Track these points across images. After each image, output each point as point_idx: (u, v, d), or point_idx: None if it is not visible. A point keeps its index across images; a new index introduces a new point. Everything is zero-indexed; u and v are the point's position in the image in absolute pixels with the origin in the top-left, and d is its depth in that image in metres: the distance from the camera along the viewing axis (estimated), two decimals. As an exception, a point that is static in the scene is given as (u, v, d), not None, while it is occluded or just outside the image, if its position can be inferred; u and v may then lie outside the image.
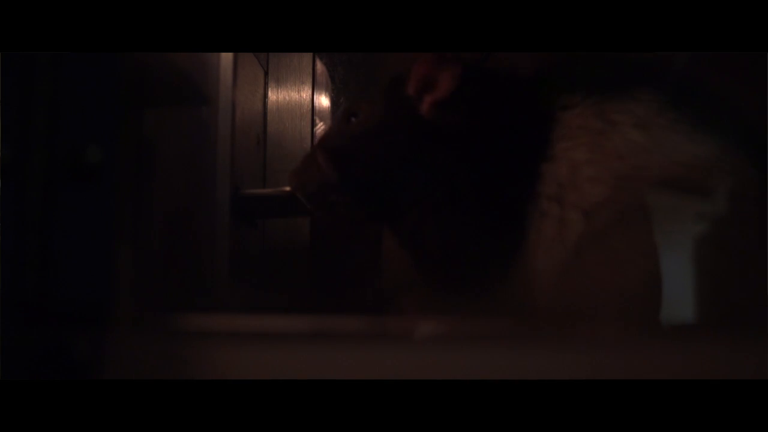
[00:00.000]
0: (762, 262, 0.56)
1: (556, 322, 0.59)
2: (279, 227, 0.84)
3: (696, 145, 0.59)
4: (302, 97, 0.87)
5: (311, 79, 0.87)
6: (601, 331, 0.55)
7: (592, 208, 0.60)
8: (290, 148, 0.85)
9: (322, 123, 0.87)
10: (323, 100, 0.88)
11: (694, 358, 0.44)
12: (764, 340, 0.44)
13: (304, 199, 0.68)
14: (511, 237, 0.62)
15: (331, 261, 0.83)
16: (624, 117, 0.61)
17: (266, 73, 0.85)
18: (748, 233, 0.58)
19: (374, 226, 0.75)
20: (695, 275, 0.58)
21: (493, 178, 0.63)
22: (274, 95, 0.86)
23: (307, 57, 0.87)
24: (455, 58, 0.65)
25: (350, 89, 0.87)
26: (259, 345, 0.45)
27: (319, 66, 0.89)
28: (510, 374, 0.43)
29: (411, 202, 0.65)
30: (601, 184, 0.60)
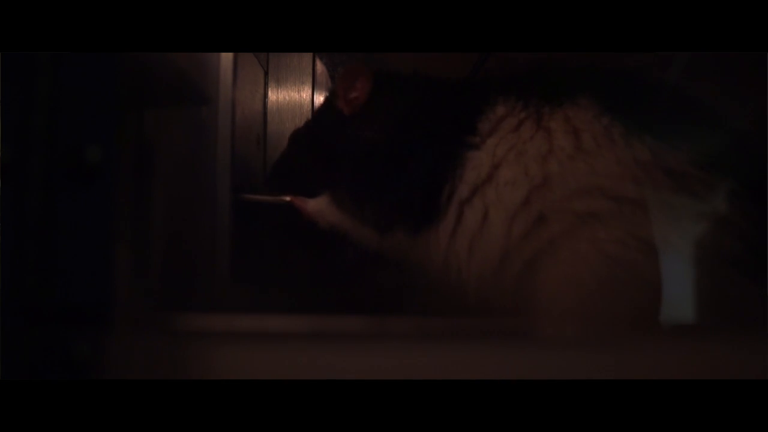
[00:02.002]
0: (762, 262, 0.56)
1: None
2: (279, 227, 0.84)
3: (633, 151, 0.59)
4: (302, 97, 0.87)
5: (311, 79, 0.87)
6: (601, 331, 0.55)
7: (514, 212, 0.62)
8: (290, 148, 0.84)
9: (322, 123, 0.87)
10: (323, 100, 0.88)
11: (694, 358, 0.44)
12: (764, 340, 0.44)
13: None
14: (429, 215, 0.66)
15: (331, 261, 0.83)
16: (558, 124, 0.63)
17: (266, 73, 0.85)
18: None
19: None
20: (695, 275, 0.58)
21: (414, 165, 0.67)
22: (274, 95, 0.85)
23: (307, 57, 0.87)
24: (364, 68, 0.73)
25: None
26: (259, 345, 0.45)
27: (319, 66, 0.89)
28: (510, 374, 0.43)
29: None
30: (517, 188, 0.62)
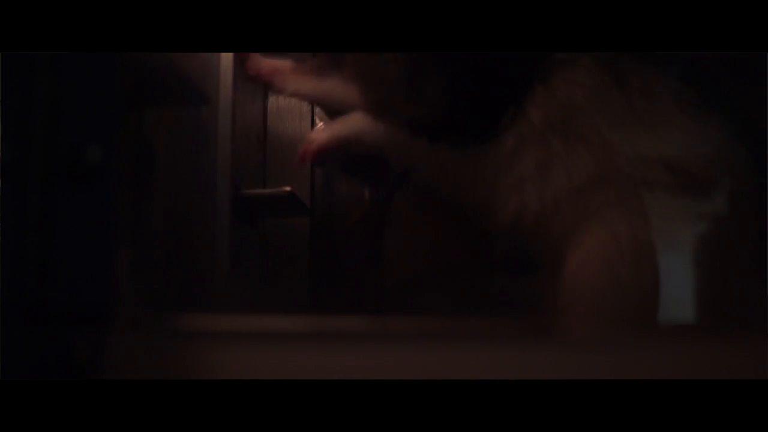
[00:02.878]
0: (762, 262, 0.56)
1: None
2: (279, 227, 0.84)
3: (700, 122, 0.58)
4: (302, 97, 0.87)
5: (311, 79, 0.87)
6: (602, 332, 0.55)
7: (575, 166, 0.59)
8: (290, 148, 0.85)
9: (322, 123, 0.87)
10: (323, 100, 0.88)
11: (694, 358, 0.44)
12: (764, 340, 0.44)
13: None
14: (483, 136, 0.61)
15: (331, 261, 0.83)
16: (635, 79, 0.59)
17: (266, 73, 0.85)
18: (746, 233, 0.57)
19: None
20: (695, 275, 0.58)
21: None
22: (274, 95, 0.86)
23: (307, 57, 0.87)
24: None
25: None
26: (259, 345, 0.45)
27: (319, 66, 0.88)
28: (510, 374, 0.43)
29: None
30: (584, 144, 0.59)
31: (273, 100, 0.84)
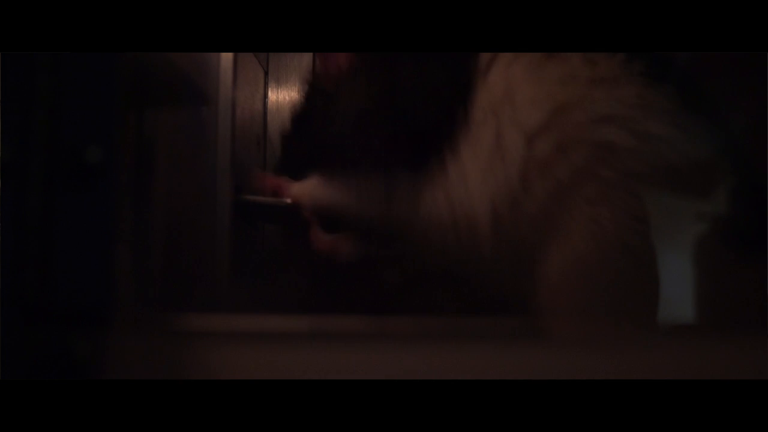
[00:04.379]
0: (762, 262, 0.56)
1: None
2: (279, 227, 0.84)
3: (654, 91, 0.58)
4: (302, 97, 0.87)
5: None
6: (601, 331, 0.55)
7: (532, 132, 0.58)
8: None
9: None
10: (323, 100, 0.88)
11: (694, 358, 0.44)
12: (764, 340, 0.44)
13: None
14: (441, 141, 0.62)
15: (330, 261, 0.83)
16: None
17: (266, 73, 0.85)
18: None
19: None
20: (695, 275, 0.58)
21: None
22: (274, 95, 0.86)
23: (307, 57, 0.87)
24: None
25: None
26: (259, 345, 0.45)
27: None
28: (510, 374, 0.43)
29: None
30: (539, 108, 0.59)
31: (273, 100, 0.84)
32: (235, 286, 0.69)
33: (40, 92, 0.42)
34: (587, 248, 0.57)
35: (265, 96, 0.84)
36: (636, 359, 0.44)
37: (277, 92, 0.86)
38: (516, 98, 0.60)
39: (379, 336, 0.48)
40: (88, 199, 0.41)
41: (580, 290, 0.58)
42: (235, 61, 0.70)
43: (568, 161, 0.58)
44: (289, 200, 0.73)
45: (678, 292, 0.57)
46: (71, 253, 0.41)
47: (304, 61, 0.87)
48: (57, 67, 0.42)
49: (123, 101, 0.43)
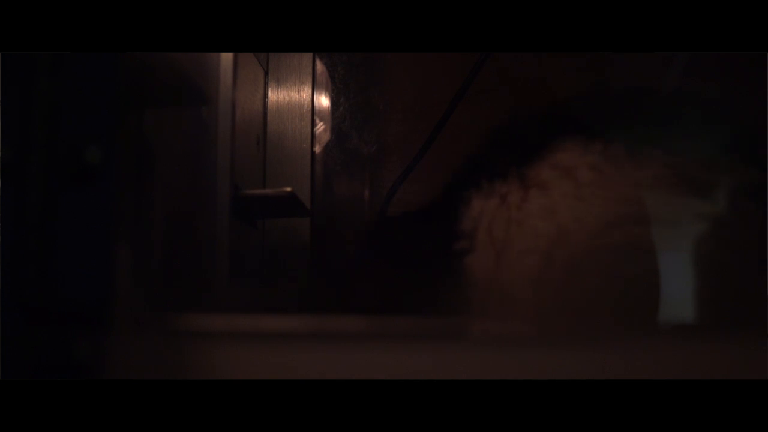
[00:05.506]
0: (762, 262, 0.56)
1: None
2: (279, 227, 0.84)
3: (647, 168, 0.58)
4: (302, 97, 0.87)
5: (311, 79, 0.87)
6: (601, 331, 0.55)
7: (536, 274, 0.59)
8: (290, 148, 0.85)
9: (322, 123, 0.87)
10: (323, 100, 0.88)
11: (694, 358, 0.44)
12: (764, 340, 0.44)
13: None
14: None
15: (331, 261, 0.83)
16: (548, 174, 0.60)
17: (266, 73, 0.85)
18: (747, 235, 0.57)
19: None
20: (695, 275, 0.58)
21: None
22: (274, 95, 0.86)
23: (307, 57, 0.87)
24: None
25: (350, 89, 0.87)
26: (259, 345, 0.45)
27: (319, 66, 0.89)
28: (510, 374, 0.43)
29: None
30: (532, 254, 0.59)
31: (273, 100, 0.84)
32: (235, 286, 0.69)
33: (40, 92, 0.42)
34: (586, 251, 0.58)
35: (265, 96, 0.84)
36: (636, 359, 0.44)
37: (277, 92, 0.86)
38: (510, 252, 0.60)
39: (379, 336, 0.48)
40: (88, 199, 0.41)
41: (581, 290, 0.58)
42: (235, 61, 0.69)
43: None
44: (289, 189, 0.72)
45: (678, 292, 0.57)
46: (71, 253, 0.41)
47: (304, 61, 0.87)
48: (57, 67, 0.42)
49: (123, 101, 0.43)
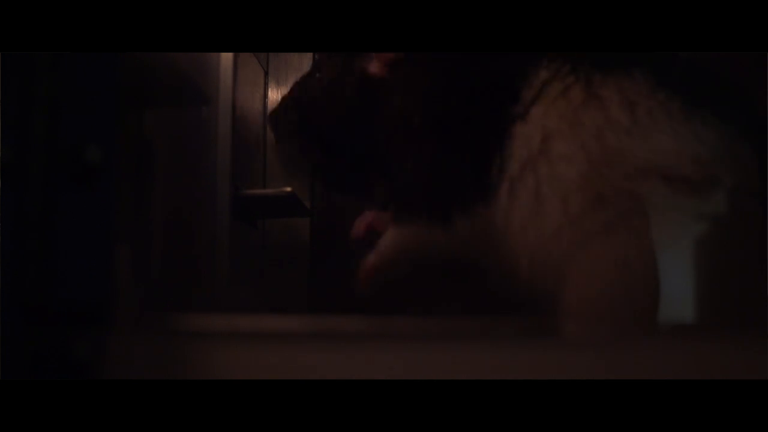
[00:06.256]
0: (762, 262, 0.56)
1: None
2: (279, 227, 0.84)
3: (692, 127, 0.58)
4: (302, 97, 0.87)
5: (311, 79, 0.87)
6: (600, 331, 0.55)
7: (567, 192, 0.58)
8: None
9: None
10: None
11: (694, 358, 0.44)
12: (764, 340, 0.44)
13: (276, 136, 0.70)
14: (481, 192, 0.61)
15: (331, 261, 0.83)
16: (610, 93, 0.59)
17: (266, 73, 0.85)
18: (748, 232, 0.57)
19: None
20: (695, 275, 0.58)
21: (454, 128, 0.63)
22: (274, 95, 0.86)
23: (307, 57, 0.87)
24: None
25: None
26: (259, 345, 0.45)
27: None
28: (510, 374, 0.43)
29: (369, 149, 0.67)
30: (574, 164, 0.58)
31: (273, 100, 0.84)
32: (235, 286, 0.69)
33: (40, 92, 0.42)
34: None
35: (265, 96, 0.84)
36: (636, 359, 0.44)
37: (277, 92, 0.86)
38: (552, 152, 0.59)
39: (379, 336, 0.48)
40: (88, 199, 0.41)
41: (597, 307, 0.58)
42: (235, 61, 0.70)
43: (605, 213, 0.57)
44: (289, 189, 0.73)
45: (678, 292, 0.57)
46: (71, 253, 0.41)
47: (304, 61, 0.87)
48: (57, 67, 0.42)
49: (123, 101, 0.43)
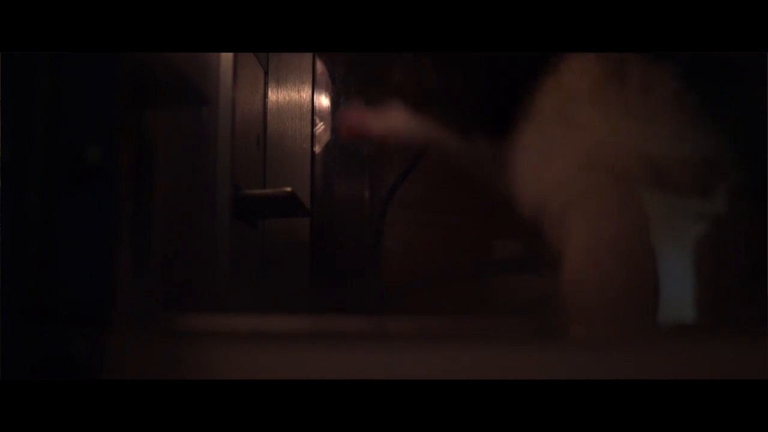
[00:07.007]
0: (762, 262, 0.56)
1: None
2: (279, 227, 0.84)
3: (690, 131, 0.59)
4: (302, 97, 0.87)
5: (311, 79, 0.88)
6: (600, 332, 0.55)
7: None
8: (290, 148, 0.85)
9: (322, 123, 0.87)
10: (323, 100, 0.88)
11: (694, 358, 0.44)
12: (764, 340, 0.44)
13: None
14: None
15: (331, 261, 0.83)
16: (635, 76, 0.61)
17: (266, 73, 0.85)
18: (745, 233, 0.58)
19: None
20: (695, 275, 0.58)
21: None
22: (274, 95, 0.86)
23: (307, 57, 0.87)
24: None
25: (350, 89, 0.87)
26: (259, 345, 0.45)
27: (319, 66, 0.89)
28: (510, 374, 0.43)
29: None
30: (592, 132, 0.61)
31: (273, 100, 0.84)
32: (235, 286, 0.69)
33: (40, 92, 0.42)
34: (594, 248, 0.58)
35: (265, 96, 0.84)
36: (636, 359, 0.44)
37: (277, 92, 0.86)
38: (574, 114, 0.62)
39: (379, 336, 0.48)
40: (88, 200, 0.41)
41: (586, 290, 0.58)
42: (235, 61, 0.70)
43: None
44: (289, 189, 0.73)
45: (678, 292, 0.57)
46: (71, 253, 0.41)
47: (304, 61, 0.87)
48: (57, 67, 0.42)
49: (123, 101, 0.43)
